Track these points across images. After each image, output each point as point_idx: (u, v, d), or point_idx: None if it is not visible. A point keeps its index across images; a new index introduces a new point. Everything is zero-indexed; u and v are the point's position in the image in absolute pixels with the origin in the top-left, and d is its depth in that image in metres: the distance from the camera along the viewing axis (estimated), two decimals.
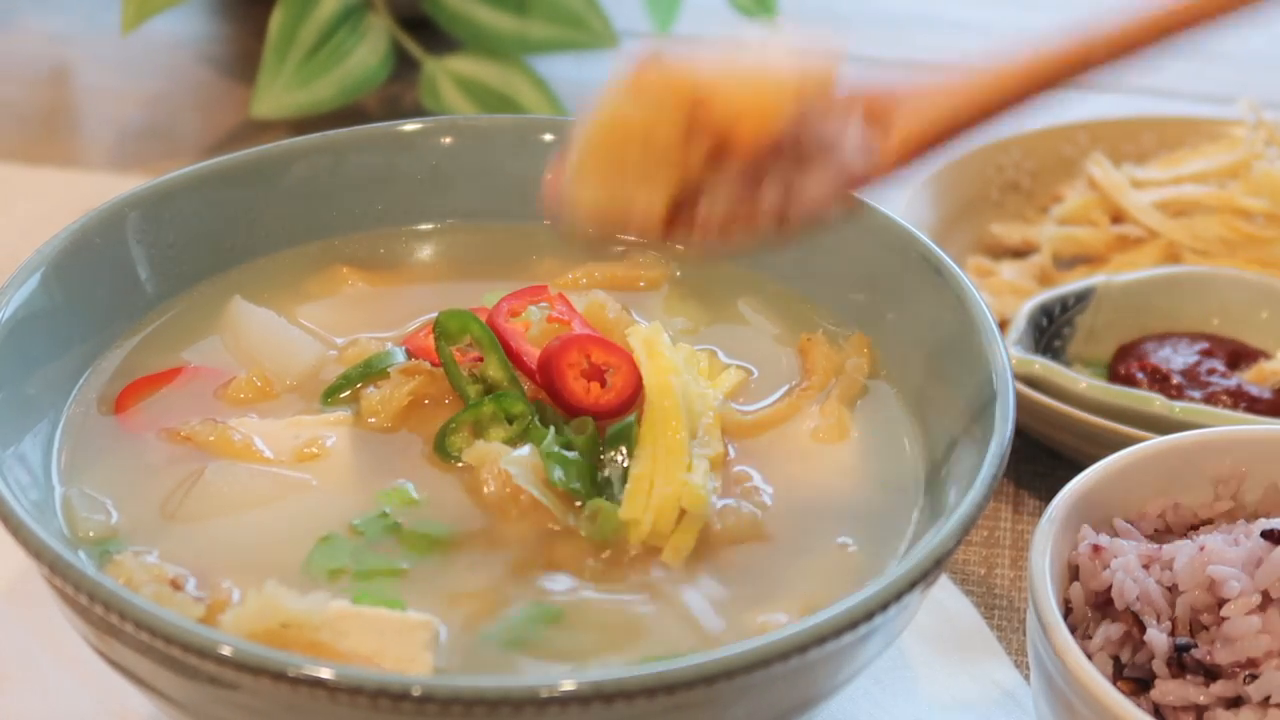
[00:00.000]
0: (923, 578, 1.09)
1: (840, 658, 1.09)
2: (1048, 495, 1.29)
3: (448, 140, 1.48)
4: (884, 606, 1.06)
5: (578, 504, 1.22)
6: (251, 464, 1.25)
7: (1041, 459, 1.61)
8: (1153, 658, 1.18)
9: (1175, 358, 1.60)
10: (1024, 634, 1.44)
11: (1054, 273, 1.76)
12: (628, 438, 1.25)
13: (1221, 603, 1.18)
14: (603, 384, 1.28)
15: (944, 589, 1.47)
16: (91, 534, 1.19)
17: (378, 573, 1.17)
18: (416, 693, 0.99)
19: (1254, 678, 1.16)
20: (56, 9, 2.37)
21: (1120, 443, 1.37)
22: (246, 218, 1.43)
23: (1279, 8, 1.18)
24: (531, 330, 1.32)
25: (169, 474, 1.24)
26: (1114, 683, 1.18)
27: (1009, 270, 1.76)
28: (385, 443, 1.28)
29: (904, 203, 1.73)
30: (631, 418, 1.26)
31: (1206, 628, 1.18)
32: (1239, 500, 1.32)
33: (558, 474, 1.21)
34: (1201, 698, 1.17)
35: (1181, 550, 1.22)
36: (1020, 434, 1.55)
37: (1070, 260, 1.78)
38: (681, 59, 1.13)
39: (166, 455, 1.26)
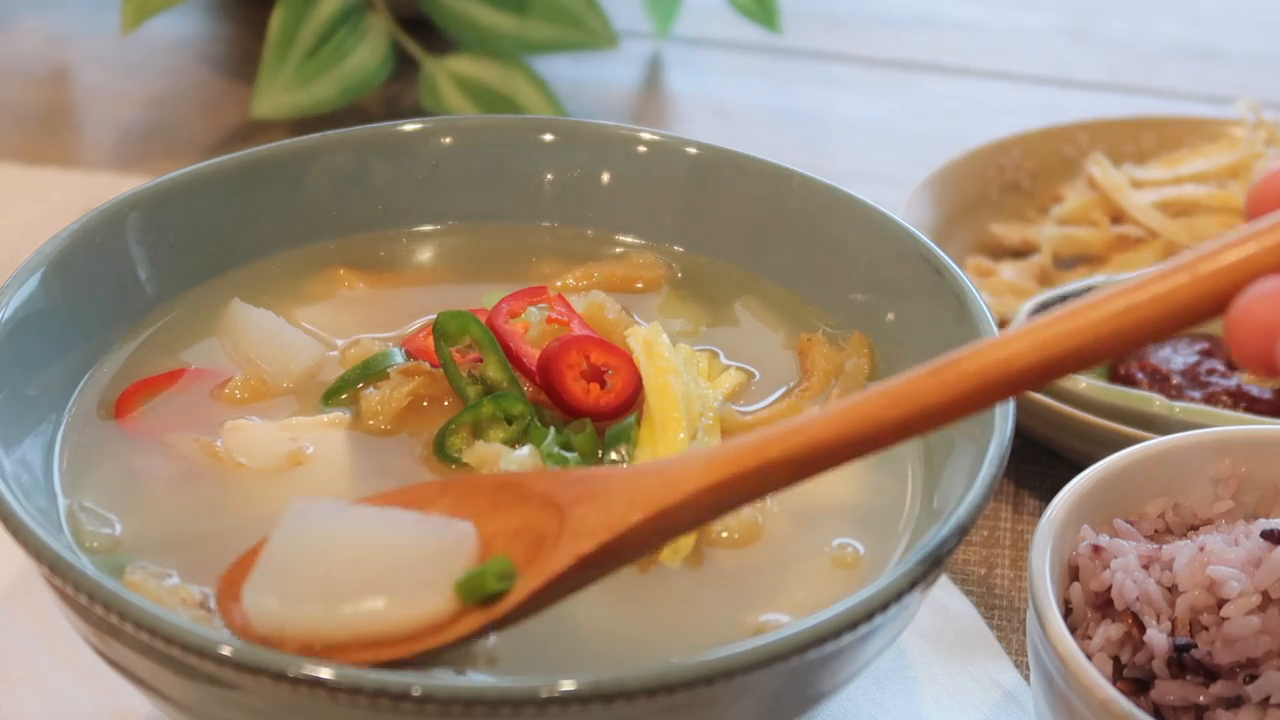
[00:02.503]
0: (923, 578, 1.09)
1: (840, 658, 1.09)
2: (1048, 495, 1.29)
3: (448, 140, 1.48)
4: (884, 606, 1.06)
5: None
6: (247, 471, 1.25)
7: (1041, 459, 1.61)
8: (1153, 658, 1.18)
9: (1175, 358, 1.60)
10: (1024, 634, 1.44)
11: (1054, 273, 1.76)
12: (628, 439, 1.25)
13: (1221, 603, 1.18)
14: (602, 385, 1.28)
15: (944, 589, 1.47)
16: (96, 544, 1.19)
17: None
18: (416, 693, 0.99)
19: (1254, 678, 1.16)
20: (56, 9, 2.37)
21: (1120, 443, 1.37)
22: (246, 218, 1.43)
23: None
24: (531, 331, 1.32)
25: (170, 480, 1.24)
26: (1114, 683, 1.18)
27: (1009, 270, 1.76)
28: (384, 444, 1.28)
29: (904, 203, 1.73)
30: (631, 419, 1.27)
31: (1206, 628, 1.18)
32: (1239, 500, 1.32)
33: None
34: (1201, 698, 1.17)
35: (1181, 550, 1.22)
36: (1020, 434, 1.55)
37: (1070, 260, 1.78)
38: None
39: (168, 461, 1.26)
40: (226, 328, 1.37)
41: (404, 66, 2.09)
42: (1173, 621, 1.19)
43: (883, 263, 1.38)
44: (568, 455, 1.23)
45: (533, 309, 1.34)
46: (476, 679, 1.03)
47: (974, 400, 1.03)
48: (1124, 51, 2.36)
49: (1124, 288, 0.99)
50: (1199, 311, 0.98)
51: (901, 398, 1.04)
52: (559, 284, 1.43)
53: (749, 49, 2.33)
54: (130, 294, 1.37)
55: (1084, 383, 1.54)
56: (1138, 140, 1.90)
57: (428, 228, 1.49)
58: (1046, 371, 1.01)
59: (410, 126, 1.49)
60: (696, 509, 1.07)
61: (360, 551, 1.08)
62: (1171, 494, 1.32)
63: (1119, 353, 1.02)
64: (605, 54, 2.24)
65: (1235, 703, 1.17)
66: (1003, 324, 1.62)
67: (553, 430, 1.25)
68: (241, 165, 1.43)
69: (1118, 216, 1.79)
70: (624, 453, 1.25)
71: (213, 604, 1.14)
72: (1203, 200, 1.75)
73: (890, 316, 1.37)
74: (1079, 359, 1.01)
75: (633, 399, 1.28)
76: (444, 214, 1.49)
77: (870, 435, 1.05)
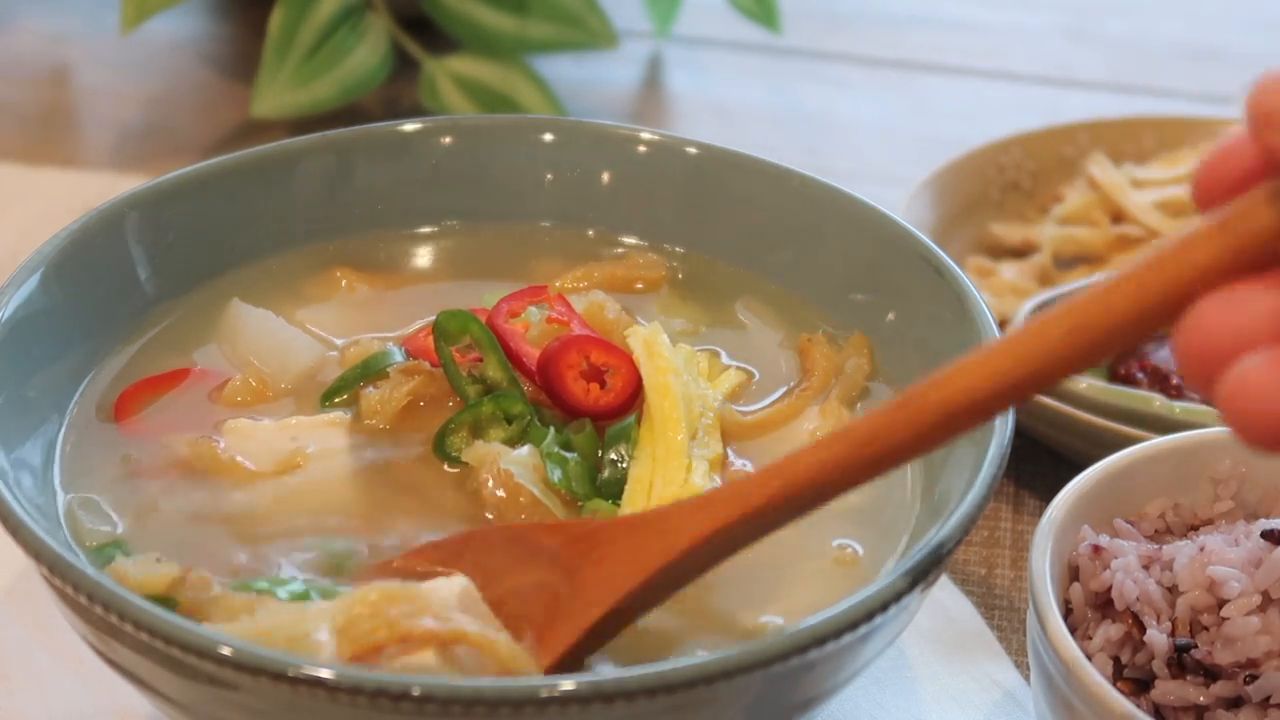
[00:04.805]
0: (923, 578, 1.09)
1: (840, 658, 1.09)
2: (1048, 495, 1.29)
3: (448, 140, 1.48)
4: (884, 606, 1.06)
5: (578, 505, 1.22)
6: (248, 471, 1.25)
7: (1041, 459, 1.61)
8: (1153, 658, 1.18)
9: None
10: (1024, 634, 1.44)
11: (1054, 273, 1.76)
12: (627, 439, 1.25)
13: (1222, 603, 1.18)
14: (602, 385, 1.28)
15: (944, 589, 1.47)
16: (96, 544, 1.19)
17: None
18: (416, 693, 0.99)
19: (1254, 678, 1.16)
20: (56, 9, 2.37)
21: (1120, 443, 1.37)
22: (246, 218, 1.43)
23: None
24: (531, 331, 1.32)
25: (170, 481, 1.24)
26: (1114, 683, 1.18)
27: (1009, 270, 1.76)
28: (384, 444, 1.28)
29: (904, 203, 1.73)
30: (631, 419, 1.27)
31: (1206, 628, 1.18)
32: (1239, 500, 1.32)
33: (556, 475, 1.22)
34: (1201, 698, 1.17)
35: (1181, 551, 1.22)
36: (1020, 434, 1.54)
37: (1070, 260, 1.78)
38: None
39: (167, 461, 1.26)
40: (226, 327, 1.37)
41: (404, 66, 2.09)
42: (1173, 621, 1.19)
43: (883, 263, 1.38)
44: (568, 455, 1.23)
45: (533, 309, 1.34)
46: (477, 679, 1.03)
47: (941, 433, 1.03)
48: (1124, 51, 2.36)
49: (1073, 304, 0.96)
50: (1150, 324, 0.94)
51: (877, 433, 1.04)
52: (558, 284, 1.43)
53: (749, 49, 2.33)
54: (130, 294, 1.37)
55: (1084, 383, 1.53)
56: (1138, 140, 1.89)
57: (428, 228, 1.49)
58: (1009, 398, 1.00)
59: (410, 126, 1.49)
60: (696, 559, 1.09)
61: None
62: (1171, 494, 1.32)
63: (1076, 370, 0.99)
64: (605, 54, 2.24)
65: (1235, 703, 1.17)
66: (1003, 324, 1.62)
67: (552, 430, 1.25)
68: (241, 165, 1.43)
69: (1118, 216, 1.79)
70: (624, 452, 1.25)
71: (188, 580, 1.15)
72: None
73: (890, 316, 1.37)
74: (1037, 383, 0.99)
75: (632, 399, 1.28)
76: (444, 214, 1.49)
77: (853, 469, 1.05)
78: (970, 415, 1.01)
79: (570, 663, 1.09)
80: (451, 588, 1.10)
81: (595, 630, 1.09)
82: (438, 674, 1.05)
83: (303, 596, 1.14)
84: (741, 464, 1.28)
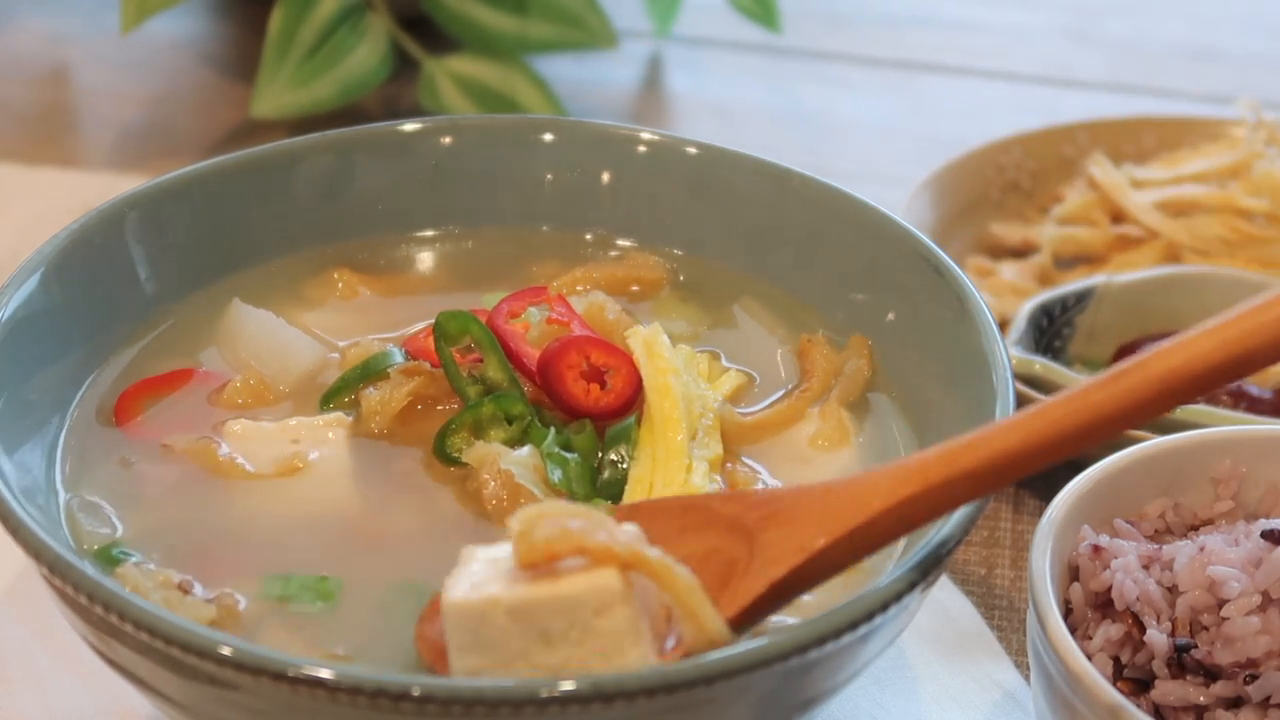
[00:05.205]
0: (923, 578, 1.09)
1: (840, 658, 1.09)
2: (1048, 495, 1.29)
3: (448, 140, 1.48)
4: (884, 606, 1.06)
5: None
6: (248, 473, 1.25)
7: None
8: (1153, 658, 1.19)
9: None
10: (1024, 634, 1.44)
11: (1054, 273, 1.76)
12: (627, 439, 1.25)
13: (1222, 603, 1.18)
14: (602, 385, 1.28)
15: (944, 589, 1.47)
16: (96, 546, 1.19)
17: None
18: (416, 693, 0.99)
19: (1254, 678, 1.16)
20: (56, 9, 2.37)
21: (1120, 443, 1.37)
22: (246, 218, 1.43)
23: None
24: (531, 332, 1.32)
25: (171, 483, 1.24)
26: (1114, 683, 1.18)
27: (1009, 270, 1.76)
28: (385, 444, 1.28)
29: (904, 203, 1.73)
30: (631, 419, 1.27)
31: (1206, 628, 1.18)
32: (1239, 500, 1.32)
33: (557, 475, 1.22)
34: (1201, 698, 1.17)
35: (1181, 550, 1.22)
36: None
37: (1070, 260, 1.78)
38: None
39: (167, 463, 1.26)
40: (226, 329, 1.37)
41: (404, 66, 2.09)
42: (1173, 621, 1.19)
43: (883, 263, 1.38)
44: (568, 455, 1.23)
45: (533, 309, 1.34)
46: (477, 679, 1.03)
47: (1159, 404, 1.03)
48: (1124, 51, 2.36)
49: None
50: None
51: (1087, 405, 1.05)
52: (557, 283, 1.42)
53: (749, 49, 2.33)
54: (130, 295, 1.36)
55: (1084, 382, 1.53)
56: (1138, 140, 1.90)
57: (428, 232, 1.49)
58: (1232, 371, 1.02)
59: (410, 126, 1.49)
60: (885, 526, 1.08)
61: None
62: (1171, 494, 1.32)
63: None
64: (605, 54, 2.24)
65: (1235, 703, 1.17)
66: (1003, 324, 1.62)
67: (553, 430, 1.25)
68: (241, 165, 1.43)
69: (1118, 216, 1.79)
70: (624, 453, 1.25)
71: (198, 590, 1.15)
72: (1203, 200, 1.75)
73: (890, 316, 1.37)
74: (1266, 356, 1.01)
75: (632, 399, 1.28)
76: (444, 215, 1.49)
77: (1057, 443, 1.06)
78: (1190, 388, 1.02)
79: (746, 621, 1.08)
80: (629, 527, 1.08)
81: (774, 591, 1.08)
82: (620, 598, 1.04)
83: (328, 596, 1.15)
84: (743, 470, 1.28)
